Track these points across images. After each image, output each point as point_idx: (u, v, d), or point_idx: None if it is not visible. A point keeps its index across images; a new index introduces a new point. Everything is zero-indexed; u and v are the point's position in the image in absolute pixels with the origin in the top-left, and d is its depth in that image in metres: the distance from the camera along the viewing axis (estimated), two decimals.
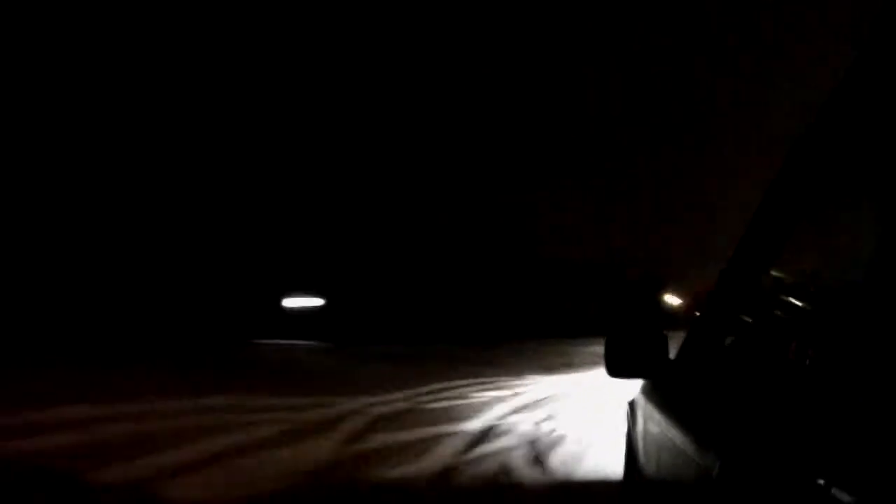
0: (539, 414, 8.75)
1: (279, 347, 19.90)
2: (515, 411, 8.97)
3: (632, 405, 2.86)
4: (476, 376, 12.75)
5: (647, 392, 2.42)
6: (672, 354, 2.16)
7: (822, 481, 0.79)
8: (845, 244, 1.16)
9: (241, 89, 25.43)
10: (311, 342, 22.89)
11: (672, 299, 41.29)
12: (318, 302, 26.75)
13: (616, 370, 2.22)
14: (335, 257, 26.24)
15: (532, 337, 25.97)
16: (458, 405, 9.23)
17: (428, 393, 10.20)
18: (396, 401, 9.22)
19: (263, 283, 26.20)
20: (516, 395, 10.67)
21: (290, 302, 27.30)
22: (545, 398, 10.37)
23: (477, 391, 10.77)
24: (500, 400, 9.91)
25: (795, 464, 0.91)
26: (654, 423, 2.10)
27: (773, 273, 1.50)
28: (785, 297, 1.46)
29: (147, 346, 15.65)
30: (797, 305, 1.36)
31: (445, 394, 10.20)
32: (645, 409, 2.36)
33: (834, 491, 0.76)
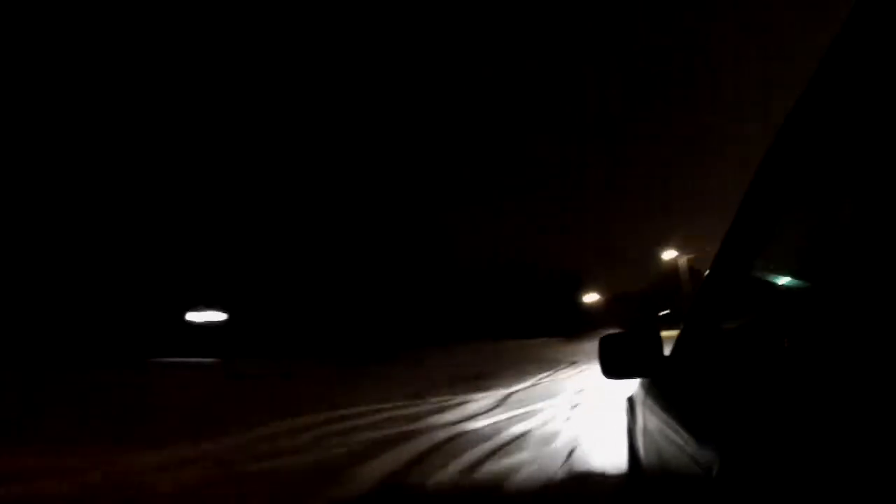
0: None
1: (164, 367, 19.02)
2: None
3: (631, 402, 2.87)
4: (351, 404, 9.66)
5: (646, 389, 2.44)
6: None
7: (820, 476, 0.80)
8: (836, 236, 1.13)
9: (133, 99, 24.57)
10: (212, 359, 22.22)
11: (590, 297, 42.26)
12: (221, 316, 26.09)
13: (611, 371, 2.22)
14: (239, 271, 25.60)
15: (441, 344, 25.45)
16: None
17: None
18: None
19: (166, 296, 25.46)
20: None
21: (193, 316, 26.61)
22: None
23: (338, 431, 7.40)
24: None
25: (795, 460, 0.90)
26: (653, 419, 2.12)
27: (765, 265, 1.49)
28: (778, 291, 1.42)
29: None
30: (791, 299, 1.34)
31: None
32: (644, 406, 2.38)
33: (832, 487, 0.77)
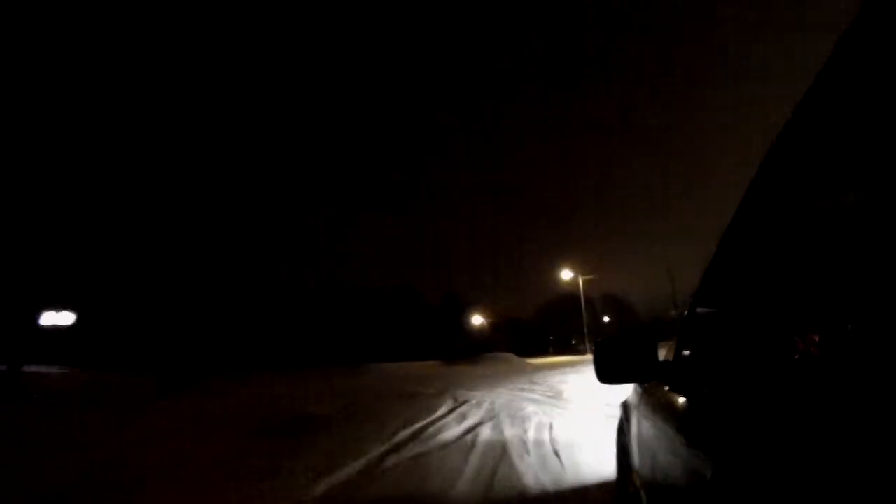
0: None
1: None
2: None
3: (625, 406, 2.84)
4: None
5: (640, 394, 2.42)
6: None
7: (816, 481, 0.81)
8: (832, 242, 1.11)
9: None
10: (59, 368, 20.82)
11: (477, 320, 42.52)
12: (69, 318, 24.65)
13: (606, 376, 2.19)
14: (89, 268, 24.32)
15: (314, 365, 24.55)
16: None
17: None
18: None
19: (14, 297, 23.85)
20: None
21: (46, 319, 25.00)
22: None
23: None
24: None
25: (789, 466, 0.91)
26: (647, 425, 2.11)
27: (759, 272, 1.48)
28: (774, 298, 1.41)
29: None
30: (787, 305, 1.33)
31: None
32: (639, 411, 2.36)
33: (828, 492, 0.78)
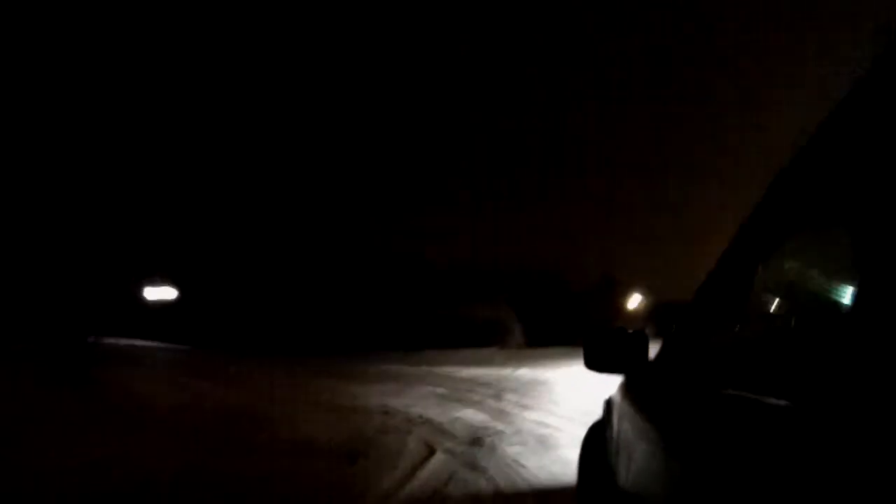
0: None
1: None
2: None
3: (608, 403, 2.78)
4: None
5: (624, 391, 2.40)
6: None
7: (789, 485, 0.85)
8: (827, 256, 1.17)
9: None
10: (164, 343, 18.14)
11: (635, 301, 36.99)
12: (172, 293, 21.84)
13: (594, 363, 2.28)
14: (194, 242, 21.36)
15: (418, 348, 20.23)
16: None
17: None
18: None
19: (116, 269, 21.46)
20: None
21: (150, 293, 22.50)
22: None
23: None
24: None
25: (771, 472, 0.93)
26: (628, 421, 2.08)
27: (756, 281, 1.51)
28: (765, 307, 1.46)
29: None
30: (778, 315, 1.39)
31: None
32: (621, 408, 2.33)
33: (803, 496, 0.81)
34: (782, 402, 1.04)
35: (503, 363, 16.28)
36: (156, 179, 22.21)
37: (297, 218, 22.27)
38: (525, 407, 8.89)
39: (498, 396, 9.98)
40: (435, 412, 8.40)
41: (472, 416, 8.23)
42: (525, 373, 13.73)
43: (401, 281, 23.58)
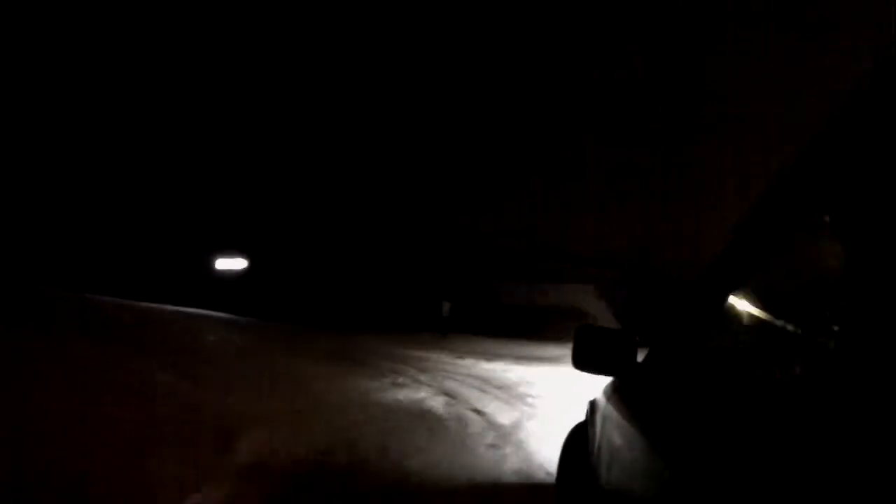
0: None
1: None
2: None
3: (592, 404, 2.79)
4: None
5: (609, 393, 2.42)
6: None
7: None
8: (815, 267, 1.20)
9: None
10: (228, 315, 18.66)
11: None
12: (241, 264, 22.57)
13: (581, 363, 2.25)
14: (264, 213, 21.94)
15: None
16: None
17: None
18: None
19: (186, 239, 22.32)
20: None
21: (221, 263, 23.29)
22: None
23: None
24: None
25: (753, 475, 0.94)
26: (611, 424, 2.11)
27: (744, 291, 1.52)
28: (755, 316, 1.47)
29: None
30: (766, 325, 1.38)
31: None
32: (605, 410, 2.36)
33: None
34: (766, 406, 1.06)
35: None
36: (234, 158, 22.87)
37: (376, 196, 22.66)
38: None
39: None
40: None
41: None
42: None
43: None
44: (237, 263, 22.79)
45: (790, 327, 1.24)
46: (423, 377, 9.78)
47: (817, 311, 1.13)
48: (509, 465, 5.12)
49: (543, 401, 8.27)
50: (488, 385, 9.51)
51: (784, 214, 1.32)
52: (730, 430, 1.15)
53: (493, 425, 6.63)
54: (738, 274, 1.54)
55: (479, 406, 7.66)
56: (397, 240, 22.49)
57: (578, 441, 2.83)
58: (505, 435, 6.20)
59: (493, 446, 5.73)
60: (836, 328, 1.00)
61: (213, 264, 23.19)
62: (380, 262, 22.05)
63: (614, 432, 1.99)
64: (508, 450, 5.60)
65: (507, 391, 9.01)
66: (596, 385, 2.69)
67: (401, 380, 9.30)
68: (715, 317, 1.69)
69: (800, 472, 0.84)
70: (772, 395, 1.10)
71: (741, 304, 1.54)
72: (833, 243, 1.13)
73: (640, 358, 2.14)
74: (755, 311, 1.49)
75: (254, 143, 23.01)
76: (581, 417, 2.96)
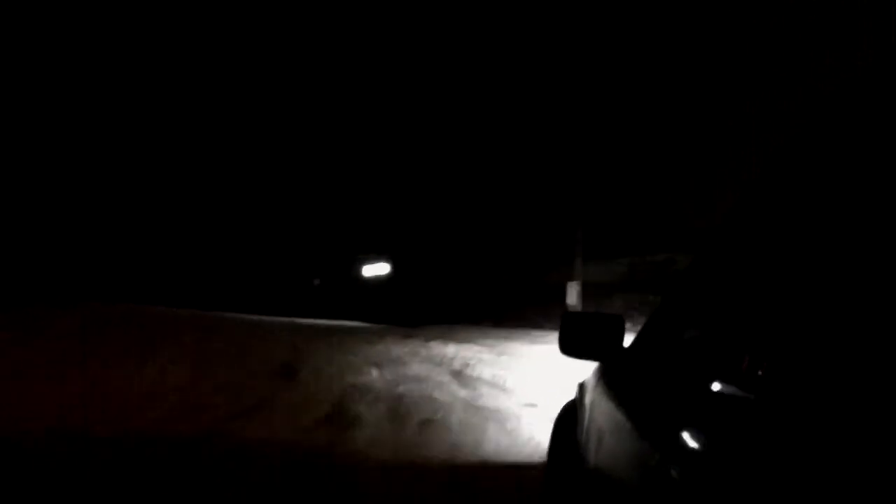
0: None
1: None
2: None
3: (581, 387, 2.76)
4: None
5: (598, 376, 2.40)
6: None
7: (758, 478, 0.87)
8: (804, 258, 1.16)
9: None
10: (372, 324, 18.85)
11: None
12: (384, 269, 22.73)
13: (568, 348, 2.22)
14: (404, 218, 22.11)
15: None
16: None
17: None
18: None
19: (338, 246, 22.92)
20: None
21: (368, 270, 23.57)
22: None
23: None
24: None
25: (735, 460, 0.95)
26: (600, 407, 2.09)
27: (731, 278, 1.52)
28: (742, 302, 1.44)
29: None
30: (754, 312, 1.36)
31: None
32: (593, 393, 2.35)
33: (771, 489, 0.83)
34: (750, 393, 1.05)
35: None
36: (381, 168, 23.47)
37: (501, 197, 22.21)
38: None
39: None
40: None
41: None
42: None
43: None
44: (382, 269, 23.07)
45: (774, 313, 1.18)
46: None
47: (785, 306, 1.12)
48: None
49: None
50: None
51: (776, 206, 1.33)
52: (705, 419, 1.16)
53: None
54: (725, 266, 1.57)
55: None
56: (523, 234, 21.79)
57: (568, 422, 2.80)
58: None
59: None
60: (803, 321, 1.01)
61: (360, 272, 23.70)
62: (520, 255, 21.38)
63: (601, 416, 2.00)
64: None
65: None
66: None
67: None
68: (693, 307, 1.72)
69: (776, 455, 0.85)
70: (739, 386, 1.10)
71: (717, 295, 1.55)
72: (812, 242, 1.12)
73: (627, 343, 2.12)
74: (728, 301, 1.47)
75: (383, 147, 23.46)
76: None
